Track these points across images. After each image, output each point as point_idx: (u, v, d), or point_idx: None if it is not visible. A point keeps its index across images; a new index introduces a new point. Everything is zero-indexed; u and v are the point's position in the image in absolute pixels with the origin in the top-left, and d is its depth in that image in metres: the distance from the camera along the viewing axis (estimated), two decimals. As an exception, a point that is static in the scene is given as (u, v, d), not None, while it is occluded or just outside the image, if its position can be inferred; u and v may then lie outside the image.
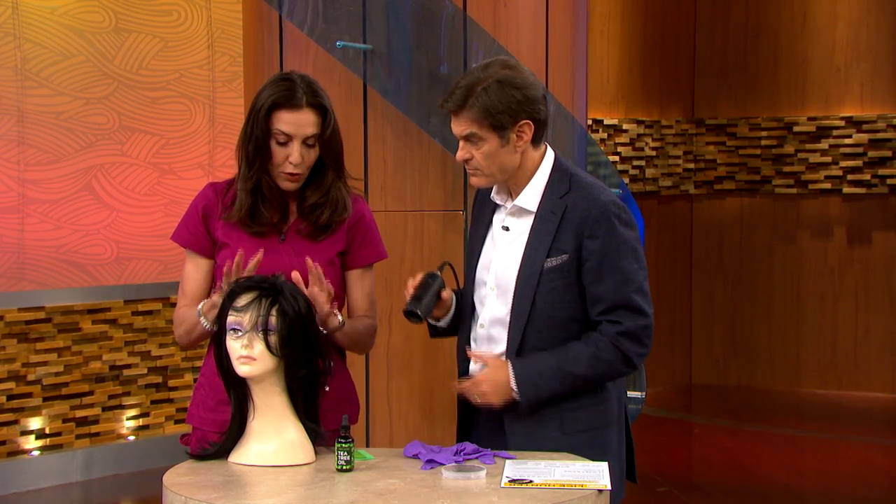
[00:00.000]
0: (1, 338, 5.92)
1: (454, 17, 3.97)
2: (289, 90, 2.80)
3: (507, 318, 2.84)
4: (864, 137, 8.56)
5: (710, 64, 9.01)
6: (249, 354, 2.58)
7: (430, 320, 2.96)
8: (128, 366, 6.33)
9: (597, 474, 2.53)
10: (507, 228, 2.89)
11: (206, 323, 2.81)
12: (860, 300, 8.65)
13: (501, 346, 2.86)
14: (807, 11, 8.77)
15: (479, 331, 2.92)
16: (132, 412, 6.36)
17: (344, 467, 2.57)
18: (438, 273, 2.89)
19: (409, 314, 2.84)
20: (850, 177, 8.60)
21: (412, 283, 2.87)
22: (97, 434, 6.23)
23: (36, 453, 6.03)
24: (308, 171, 2.86)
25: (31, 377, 6.01)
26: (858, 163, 8.58)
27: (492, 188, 2.94)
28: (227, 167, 6.48)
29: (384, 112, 4.00)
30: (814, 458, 6.87)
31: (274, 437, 2.63)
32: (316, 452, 2.67)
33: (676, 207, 9.01)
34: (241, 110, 5.65)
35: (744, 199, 8.97)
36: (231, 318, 2.60)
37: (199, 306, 2.83)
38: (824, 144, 8.67)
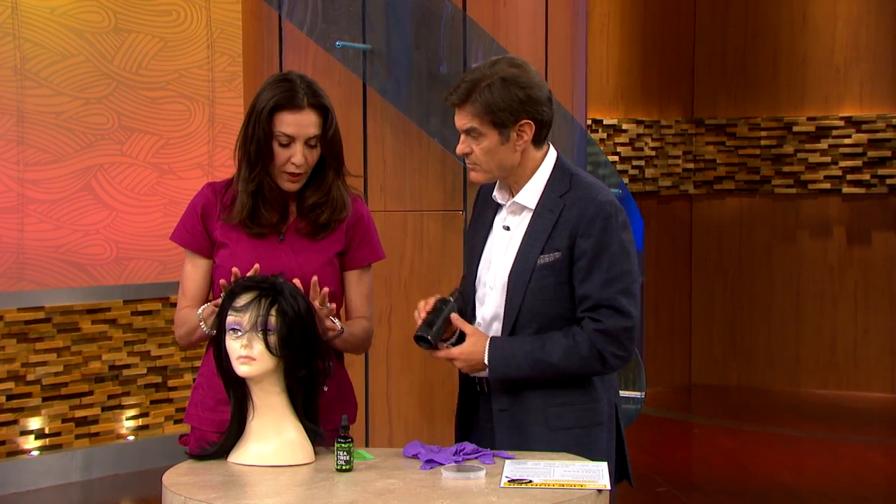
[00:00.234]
0: (0, 338, 5.92)
1: (454, 17, 3.97)
2: (290, 91, 2.80)
3: (502, 314, 2.86)
4: (863, 137, 8.56)
5: (710, 64, 9.01)
6: (249, 354, 2.58)
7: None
8: (127, 366, 6.33)
9: (596, 474, 2.53)
10: (507, 228, 2.90)
11: (206, 328, 2.82)
12: (860, 300, 8.65)
13: None
14: (806, 11, 8.77)
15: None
16: (132, 412, 6.36)
17: (343, 467, 2.57)
18: (451, 299, 2.88)
19: (420, 339, 2.83)
20: (849, 177, 8.60)
21: (424, 308, 2.86)
22: (97, 434, 6.23)
23: (35, 453, 6.03)
24: (310, 172, 2.86)
25: (30, 377, 6.01)
26: (858, 163, 8.59)
27: (493, 187, 2.95)
28: (226, 167, 6.48)
29: (384, 112, 4.00)
30: (813, 457, 6.87)
31: (273, 437, 2.63)
32: (315, 452, 2.67)
33: (676, 207, 9.01)
34: (240, 110, 5.65)
35: (743, 199, 8.97)
36: (230, 318, 2.60)
37: (200, 311, 2.83)
38: (824, 144, 8.67)
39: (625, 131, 8.61)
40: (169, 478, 2.55)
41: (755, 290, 8.91)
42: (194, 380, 2.98)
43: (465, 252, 3.09)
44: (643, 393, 4.57)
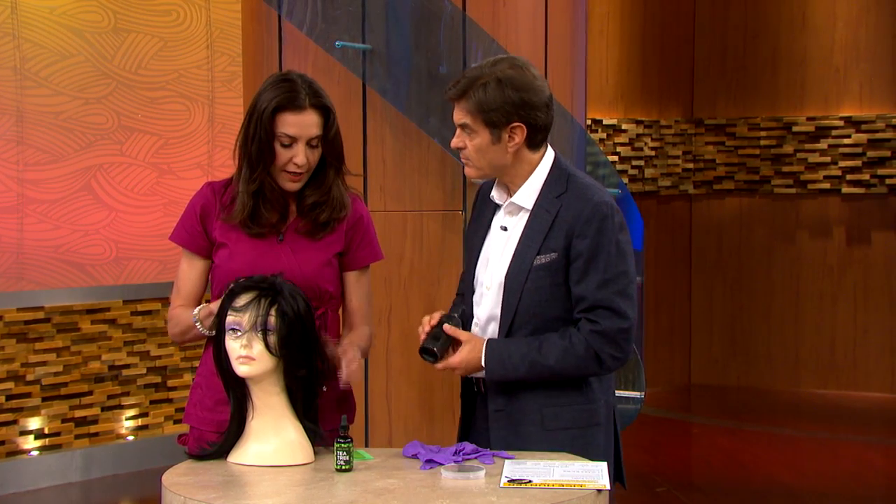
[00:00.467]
0: (0, 338, 5.92)
1: (453, 17, 3.97)
2: (291, 91, 2.80)
3: (499, 315, 2.85)
4: (863, 137, 8.56)
5: (710, 64, 9.01)
6: (248, 354, 2.58)
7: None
8: (127, 366, 6.33)
9: (596, 474, 2.53)
10: (504, 229, 2.90)
11: (203, 330, 2.82)
12: (859, 300, 8.65)
13: None
14: (806, 11, 8.77)
15: (474, 329, 2.93)
16: (131, 412, 6.36)
17: (343, 467, 2.57)
18: (455, 315, 2.88)
19: (425, 352, 2.83)
20: (849, 177, 8.60)
21: (428, 322, 2.87)
22: (96, 434, 6.23)
23: (35, 453, 6.03)
24: (311, 171, 2.86)
25: (30, 377, 6.01)
26: (857, 163, 8.59)
27: (492, 187, 2.95)
28: (226, 167, 6.48)
29: (383, 112, 4.00)
30: (813, 457, 6.87)
31: (273, 437, 2.63)
32: (315, 452, 2.67)
33: (675, 207, 9.01)
34: (240, 110, 5.65)
35: (743, 199, 8.97)
36: (230, 318, 2.60)
37: (196, 311, 2.84)
38: (823, 144, 8.67)
39: (624, 131, 8.61)
40: (168, 478, 2.55)
41: (755, 290, 8.91)
42: (193, 380, 2.98)
43: (464, 252, 3.09)
44: (643, 393, 4.57)
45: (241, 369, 2.60)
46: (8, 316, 5.94)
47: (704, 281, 9.05)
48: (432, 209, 4.03)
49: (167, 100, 6.53)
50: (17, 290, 5.99)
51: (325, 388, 2.75)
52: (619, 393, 4.46)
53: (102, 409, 6.26)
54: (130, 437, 6.34)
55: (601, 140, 8.41)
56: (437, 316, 2.87)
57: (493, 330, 2.88)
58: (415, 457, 2.69)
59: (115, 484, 6.18)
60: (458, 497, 2.40)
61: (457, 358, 2.83)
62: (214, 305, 2.77)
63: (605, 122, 8.49)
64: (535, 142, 2.84)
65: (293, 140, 2.80)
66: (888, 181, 8.51)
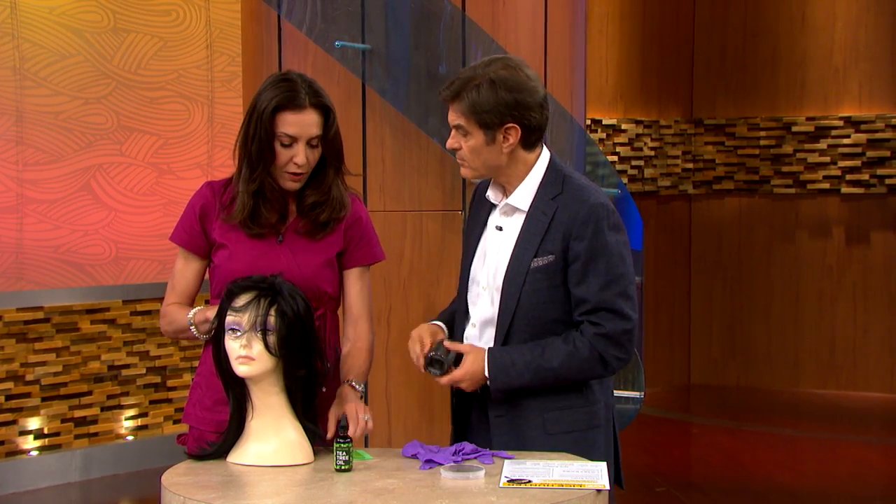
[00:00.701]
0: (-1, 338, 5.93)
1: (453, 17, 3.97)
2: (291, 91, 2.79)
3: (496, 318, 2.85)
4: (862, 137, 8.56)
5: (709, 64, 9.01)
6: (248, 354, 2.58)
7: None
8: (126, 366, 6.33)
9: (595, 474, 2.53)
10: (500, 228, 2.90)
11: (197, 334, 2.82)
12: (859, 300, 8.65)
13: (490, 346, 2.87)
14: (805, 11, 8.77)
15: (470, 330, 2.92)
16: (131, 412, 6.35)
17: (342, 467, 2.57)
18: (445, 338, 2.88)
19: (433, 363, 2.82)
20: (848, 177, 8.60)
21: (420, 346, 2.87)
22: (96, 434, 6.23)
23: (34, 453, 6.03)
24: (311, 171, 2.85)
25: (29, 377, 6.01)
26: (857, 163, 8.59)
27: (487, 187, 2.94)
28: (225, 167, 6.48)
29: (383, 112, 4.00)
30: (812, 457, 6.87)
31: (273, 437, 2.63)
32: (314, 452, 2.67)
33: (675, 207, 9.01)
34: (239, 110, 5.65)
35: (742, 199, 8.97)
36: (230, 318, 2.60)
37: (191, 315, 2.83)
38: (823, 144, 8.67)
39: (624, 131, 8.61)
40: (168, 478, 2.55)
41: (754, 290, 8.91)
42: (193, 379, 2.98)
43: (462, 251, 3.08)
44: (642, 393, 4.57)
45: (240, 369, 2.60)
46: (7, 316, 5.94)
47: (704, 281, 9.05)
48: (432, 209, 4.03)
49: (167, 100, 6.53)
50: (17, 290, 5.99)
51: (324, 389, 2.75)
52: (618, 393, 4.46)
53: (102, 409, 6.26)
54: (130, 437, 6.34)
55: (601, 140, 8.41)
56: (427, 339, 2.86)
57: (490, 333, 2.87)
58: (414, 457, 2.69)
59: (115, 484, 6.18)
60: (458, 497, 2.40)
61: (460, 371, 2.82)
62: (210, 311, 2.77)
63: (604, 122, 8.49)
64: (530, 142, 2.84)
65: (293, 140, 2.79)
66: (888, 181, 8.51)
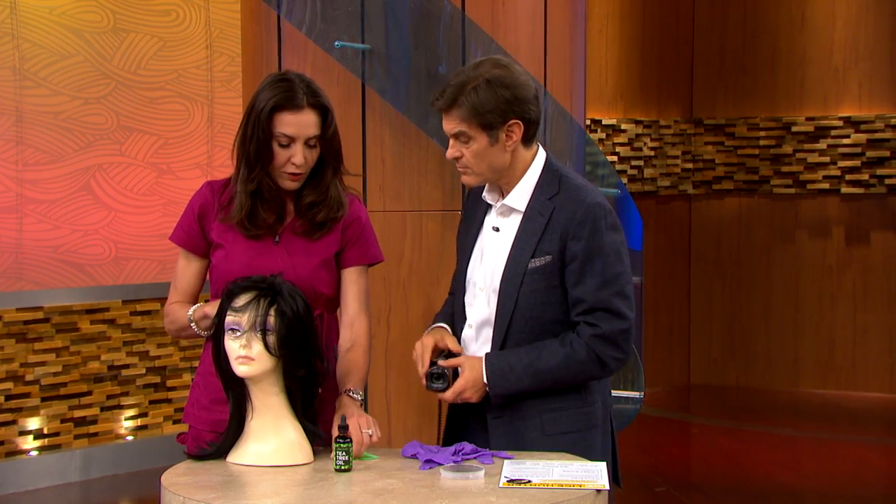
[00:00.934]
0: (-1, 338, 5.93)
1: (452, 17, 3.97)
2: (289, 91, 2.79)
3: (493, 319, 2.84)
4: (862, 137, 8.56)
5: (709, 64, 9.01)
6: (248, 354, 2.58)
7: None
8: (126, 366, 6.33)
9: (595, 474, 2.53)
10: (497, 229, 2.89)
11: (198, 331, 2.82)
12: (858, 300, 8.65)
13: (487, 347, 2.87)
14: (805, 11, 8.77)
15: (467, 332, 2.92)
16: (130, 412, 6.35)
17: (342, 467, 2.57)
18: (441, 355, 2.88)
19: (437, 378, 2.81)
20: (848, 177, 8.61)
21: (421, 359, 2.86)
22: (95, 434, 6.23)
23: (34, 453, 6.03)
24: (309, 171, 2.85)
25: (29, 377, 6.01)
26: (857, 163, 8.59)
27: (484, 188, 2.93)
28: (225, 167, 6.48)
29: (382, 112, 4.00)
30: (812, 457, 6.87)
31: (272, 437, 2.63)
32: (314, 452, 2.67)
33: (675, 207, 9.01)
34: (239, 110, 5.65)
35: (742, 199, 8.97)
36: (229, 318, 2.60)
37: (190, 312, 2.84)
38: (822, 144, 8.67)
39: (624, 131, 8.61)
40: (167, 478, 2.55)
41: (754, 290, 8.91)
42: (192, 379, 2.98)
43: (457, 251, 3.06)
44: (642, 393, 4.57)
45: (240, 369, 2.60)
46: (7, 316, 5.93)
47: (704, 281, 9.05)
48: (431, 209, 4.02)
49: (166, 100, 6.53)
50: (17, 290, 5.99)
51: (319, 391, 2.74)
52: (618, 393, 4.46)
53: (102, 410, 6.26)
54: (130, 438, 6.34)
55: (600, 140, 8.41)
56: (427, 356, 2.85)
57: (487, 334, 2.87)
58: (414, 457, 2.69)
59: (115, 484, 6.18)
60: (458, 497, 2.40)
61: (461, 382, 2.81)
62: (209, 307, 2.77)
63: (604, 122, 8.49)
64: (529, 136, 2.83)
65: (291, 140, 2.79)
66: (887, 181, 8.51)
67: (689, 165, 9.03)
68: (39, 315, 6.04)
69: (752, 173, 8.90)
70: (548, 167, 2.87)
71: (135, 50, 6.41)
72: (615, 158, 8.48)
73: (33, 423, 6.03)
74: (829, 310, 8.72)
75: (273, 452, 2.62)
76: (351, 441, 2.58)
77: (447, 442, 2.94)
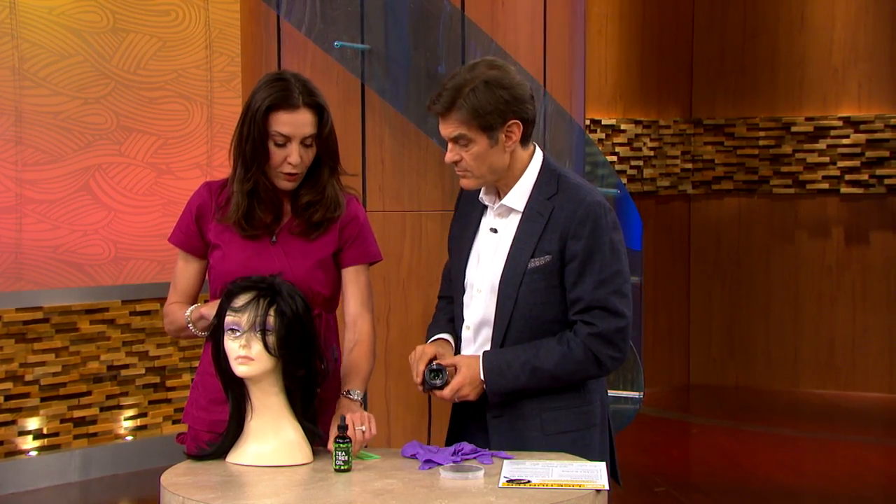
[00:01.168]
0: (-1, 338, 5.93)
1: (452, 17, 3.97)
2: (285, 90, 2.79)
3: (493, 320, 2.84)
4: (861, 138, 8.56)
5: (708, 64, 9.02)
6: (247, 355, 2.58)
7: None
8: (126, 366, 6.33)
9: (595, 474, 2.53)
10: (494, 230, 2.88)
11: (195, 331, 2.82)
12: (858, 300, 8.65)
13: (486, 348, 2.86)
14: (804, 12, 8.77)
15: (465, 333, 2.91)
16: (130, 412, 6.35)
17: (342, 467, 2.57)
18: (437, 363, 2.87)
19: (436, 375, 2.81)
20: (847, 177, 8.61)
21: (417, 365, 2.86)
22: (95, 434, 6.23)
23: (34, 453, 6.03)
24: (306, 170, 2.85)
25: (28, 377, 6.01)
26: (856, 163, 8.59)
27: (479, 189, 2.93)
28: (224, 167, 6.43)
29: (382, 112, 4.00)
30: (812, 458, 6.88)
31: (272, 437, 2.63)
32: (314, 453, 2.67)
33: (674, 207, 9.01)
34: (239, 110, 5.62)
35: (742, 199, 8.98)
36: (229, 319, 2.60)
37: (188, 313, 2.84)
38: (822, 145, 8.67)
39: (623, 131, 8.62)
40: (167, 478, 2.55)
41: (753, 290, 8.91)
42: (192, 379, 2.98)
43: (451, 252, 3.05)
44: (641, 393, 4.57)
45: (239, 369, 2.60)
46: (6, 316, 5.93)
47: (703, 281, 9.05)
48: (431, 209, 4.02)
49: (166, 100, 6.53)
50: (16, 291, 5.99)
51: (318, 390, 2.74)
52: (617, 393, 4.46)
53: (101, 410, 6.26)
54: (129, 438, 6.34)
55: (600, 140, 8.41)
56: (422, 365, 2.84)
57: (486, 335, 2.86)
58: (413, 457, 2.69)
59: (114, 484, 6.17)
60: (457, 497, 2.40)
61: (458, 379, 2.80)
62: (205, 308, 2.77)
63: (603, 123, 8.49)
64: (527, 136, 2.83)
65: (287, 139, 2.79)
66: (887, 181, 8.51)
67: (689, 165, 9.03)
68: (39, 315, 6.04)
69: (752, 173, 8.90)
70: (545, 167, 2.87)
71: (134, 50, 6.41)
72: (615, 158, 8.48)
73: (33, 423, 6.03)
74: (829, 310, 8.72)
75: (272, 452, 2.62)
76: (350, 441, 2.58)
77: (447, 442, 2.94)
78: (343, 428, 2.59)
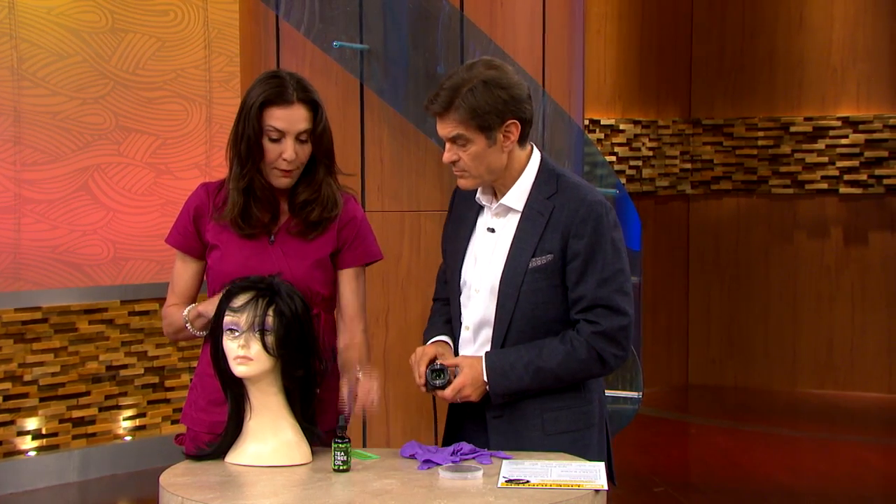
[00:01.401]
0: (-3, 338, 5.93)
1: (451, 17, 3.97)
2: (279, 87, 2.80)
3: (493, 320, 2.84)
4: (860, 138, 8.56)
5: (707, 64, 9.02)
6: (246, 355, 2.58)
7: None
8: (124, 366, 6.33)
9: (594, 474, 2.53)
10: (492, 230, 2.88)
11: (193, 331, 2.82)
12: (857, 300, 8.66)
13: (487, 348, 2.86)
14: (803, 12, 8.78)
15: (463, 333, 2.91)
16: (129, 412, 6.35)
17: (340, 467, 2.57)
18: (437, 364, 2.88)
19: (437, 375, 2.80)
20: (846, 177, 8.61)
21: (417, 366, 2.86)
22: (94, 434, 6.23)
23: (32, 454, 6.03)
24: (302, 168, 2.85)
25: (27, 377, 6.01)
26: (855, 163, 8.59)
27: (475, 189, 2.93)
28: (223, 167, 6.42)
29: (381, 112, 4.00)
30: (810, 457, 6.88)
31: (271, 437, 2.63)
32: (312, 453, 2.67)
33: (673, 208, 9.01)
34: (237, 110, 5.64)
35: (740, 199, 8.98)
36: (228, 319, 2.60)
37: (185, 312, 2.84)
38: (821, 145, 8.68)
39: (622, 131, 8.62)
40: (166, 478, 2.55)
41: (752, 290, 8.92)
42: (191, 380, 2.98)
43: (446, 253, 3.04)
44: (640, 393, 4.57)
45: (238, 369, 2.60)
46: (5, 316, 5.93)
47: (702, 281, 9.05)
48: (430, 209, 4.02)
49: (165, 100, 6.53)
50: (15, 291, 5.98)
51: (318, 390, 2.74)
52: (616, 393, 4.46)
53: (100, 410, 6.26)
54: (128, 438, 6.34)
55: (599, 140, 8.41)
56: (423, 366, 2.84)
57: (486, 335, 2.86)
58: (412, 457, 2.69)
59: (113, 484, 6.17)
60: (456, 497, 2.40)
61: (460, 379, 2.80)
62: (202, 306, 2.77)
63: (602, 123, 8.49)
64: (524, 136, 2.83)
65: (281, 134, 2.79)
66: (885, 181, 8.51)
67: (688, 165, 9.03)
68: (38, 315, 6.04)
69: (751, 173, 8.90)
70: (543, 166, 2.87)
71: (133, 50, 6.41)
72: (613, 158, 8.49)
73: (31, 423, 6.03)
74: (828, 310, 8.72)
75: (271, 452, 2.62)
76: (349, 441, 2.58)
77: (447, 442, 2.94)
78: (342, 428, 2.59)
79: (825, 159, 8.67)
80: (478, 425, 2.88)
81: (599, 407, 2.91)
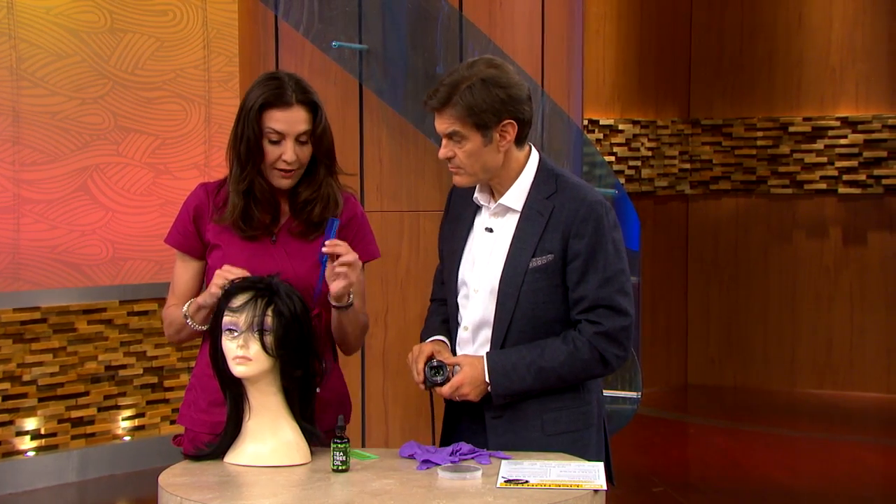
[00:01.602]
0: (-4, 338, 5.93)
1: (450, 17, 3.97)
2: (278, 88, 2.80)
3: (492, 320, 2.84)
4: (859, 138, 8.57)
5: (706, 64, 9.02)
6: (245, 355, 2.58)
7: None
8: (123, 366, 6.33)
9: (593, 474, 2.53)
10: (490, 230, 2.87)
11: (193, 324, 2.82)
12: (855, 300, 8.66)
13: (486, 349, 2.85)
14: (802, 12, 8.78)
15: (462, 333, 2.90)
16: (128, 412, 6.35)
17: (339, 468, 2.57)
18: (436, 362, 2.87)
19: (436, 371, 2.80)
20: (845, 177, 8.61)
21: (415, 362, 2.86)
22: (93, 434, 6.23)
23: (31, 454, 6.03)
24: (303, 169, 2.85)
25: (26, 378, 6.01)
26: (854, 163, 8.59)
27: (472, 189, 2.91)
28: (222, 167, 6.43)
29: (380, 112, 4.00)
30: (809, 457, 6.88)
31: (270, 437, 2.63)
32: (312, 453, 2.67)
33: (672, 208, 9.02)
34: (236, 111, 5.64)
35: (739, 199, 8.98)
36: (227, 319, 2.60)
37: (185, 308, 2.83)
38: (820, 145, 8.68)
39: (621, 131, 8.62)
40: (165, 478, 2.55)
41: (751, 290, 8.92)
42: (189, 380, 2.97)
43: (443, 253, 3.04)
44: (639, 393, 4.57)
45: (237, 370, 2.60)
46: (4, 316, 5.93)
47: (701, 281, 9.06)
48: (429, 209, 4.02)
49: (164, 100, 6.52)
50: (14, 291, 5.98)
51: (318, 390, 2.74)
52: (615, 393, 4.46)
53: (99, 410, 6.25)
54: (127, 438, 6.34)
55: (598, 140, 8.41)
56: (421, 362, 2.84)
57: (485, 335, 2.85)
58: (411, 457, 2.69)
59: (112, 484, 6.17)
60: (455, 497, 2.40)
61: (459, 377, 2.79)
62: (201, 298, 2.77)
63: (601, 123, 8.49)
64: (522, 137, 2.82)
65: (281, 136, 2.79)
66: (884, 181, 8.52)
67: (687, 166, 9.03)
68: (37, 315, 6.04)
69: (750, 173, 8.90)
70: (542, 167, 2.86)
71: (132, 50, 6.41)
72: (612, 159, 8.49)
73: (30, 423, 6.03)
74: (827, 310, 8.73)
75: (270, 453, 2.62)
76: (348, 441, 2.58)
77: (444, 442, 2.94)
78: (341, 429, 2.59)
79: (824, 159, 8.67)
80: (476, 425, 2.88)
81: (598, 407, 2.91)
